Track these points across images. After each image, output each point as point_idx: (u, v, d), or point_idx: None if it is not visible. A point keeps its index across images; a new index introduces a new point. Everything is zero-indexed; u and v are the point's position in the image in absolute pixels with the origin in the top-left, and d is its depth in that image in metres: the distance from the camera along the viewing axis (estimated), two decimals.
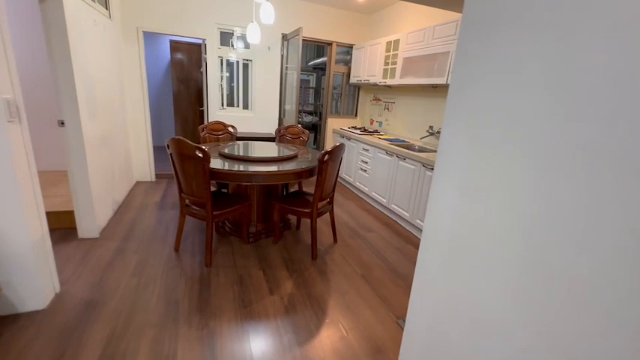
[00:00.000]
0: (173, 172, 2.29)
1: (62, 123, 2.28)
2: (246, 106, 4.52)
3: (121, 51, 3.57)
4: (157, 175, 4.25)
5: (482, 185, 0.98)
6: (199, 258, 2.38)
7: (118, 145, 3.32)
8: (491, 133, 0.94)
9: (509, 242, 0.90)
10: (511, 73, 0.88)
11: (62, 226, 2.63)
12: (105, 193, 2.80)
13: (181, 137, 2.06)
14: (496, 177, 0.93)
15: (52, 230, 2.45)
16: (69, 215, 2.57)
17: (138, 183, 4.03)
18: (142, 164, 4.07)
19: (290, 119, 4.34)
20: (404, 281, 2.30)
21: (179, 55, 4.93)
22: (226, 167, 2.24)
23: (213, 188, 3.02)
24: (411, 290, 1.36)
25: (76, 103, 2.26)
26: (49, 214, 1.89)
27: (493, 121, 0.94)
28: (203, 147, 2.02)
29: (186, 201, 2.35)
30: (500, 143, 0.92)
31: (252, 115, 4.50)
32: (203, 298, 1.95)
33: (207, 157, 2.04)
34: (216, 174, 2.18)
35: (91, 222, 2.53)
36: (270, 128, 4.60)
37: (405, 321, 1.48)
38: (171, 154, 2.20)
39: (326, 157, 2.26)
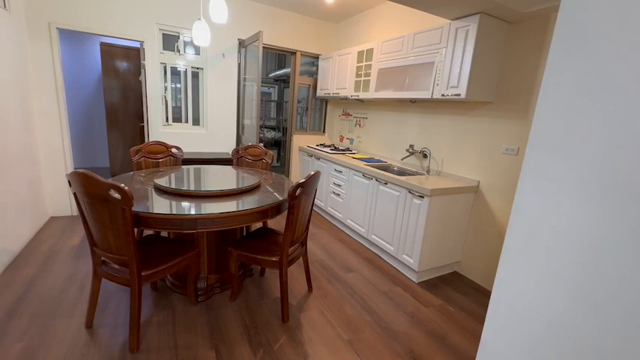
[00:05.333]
0: (80, 218, 1.60)
1: None
2: (196, 122, 3.85)
3: (25, 51, 2.76)
4: None
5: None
6: (123, 337, 1.69)
7: (17, 172, 2.49)
8: None
9: None
10: None
11: None
12: None
13: (87, 171, 1.41)
14: None
15: None
16: None
17: (52, 219, 3.15)
18: (59, 195, 3.20)
19: (250, 136, 3.75)
20: (401, 345, 1.81)
21: (113, 61, 4.14)
22: (160, 210, 1.60)
23: (149, 232, 2.34)
24: None
25: None
26: None
27: None
28: (121, 185, 1.39)
29: (102, 258, 1.66)
30: None
31: (205, 132, 3.84)
32: None
33: (128, 200, 1.41)
34: (143, 220, 1.54)
35: None
36: (226, 148, 3.96)
37: None
38: (75, 192, 1.52)
39: (298, 190, 1.74)
